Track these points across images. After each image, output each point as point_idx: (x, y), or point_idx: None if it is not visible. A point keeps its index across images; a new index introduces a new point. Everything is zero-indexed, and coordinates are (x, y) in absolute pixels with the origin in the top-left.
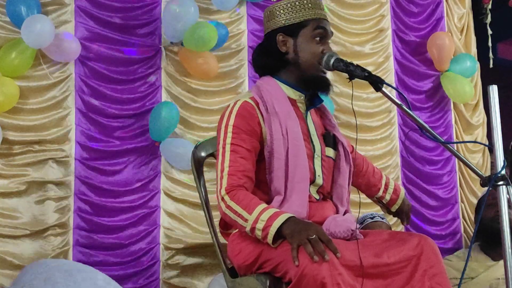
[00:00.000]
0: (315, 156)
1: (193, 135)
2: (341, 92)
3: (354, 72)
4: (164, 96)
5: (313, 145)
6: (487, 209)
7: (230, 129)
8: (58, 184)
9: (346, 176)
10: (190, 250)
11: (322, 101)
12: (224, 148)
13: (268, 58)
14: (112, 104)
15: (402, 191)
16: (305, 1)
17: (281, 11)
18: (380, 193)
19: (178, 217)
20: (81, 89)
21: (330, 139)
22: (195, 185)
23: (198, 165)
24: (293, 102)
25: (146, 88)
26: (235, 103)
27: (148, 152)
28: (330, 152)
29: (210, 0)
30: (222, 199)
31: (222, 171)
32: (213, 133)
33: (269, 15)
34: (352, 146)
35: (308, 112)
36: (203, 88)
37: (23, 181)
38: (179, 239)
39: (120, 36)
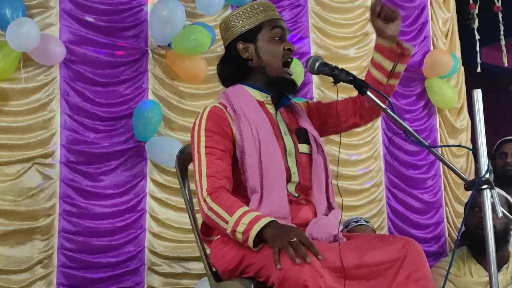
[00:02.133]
0: (288, 154)
1: (180, 136)
2: (326, 97)
3: (339, 76)
4: (151, 98)
5: (285, 143)
6: (472, 215)
7: (202, 133)
8: (43, 187)
9: (321, 168)
10: (175, 254)
11: (290, 99)
12: (199, 152)
13: (232, 68)
14: (98, 107)
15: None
16: (255, 6)
17: (236, 20)
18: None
19: (163, 221)
20: (66, 92)
21: (302, 135)
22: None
23: (183, 169)
24: (261, 103)
25: (133, 90)
26: (204, 110)
27: (134, 155)
28: (304, 148)
29: (195, 4)
30: (204, 201)
31: (200, 174)
32: None
33: (225, 27)
34: (319, 101)
35: (278, 112)
36: (190, 91)
37: (7, 184)
38: (165, 243)
39: (106, 39)
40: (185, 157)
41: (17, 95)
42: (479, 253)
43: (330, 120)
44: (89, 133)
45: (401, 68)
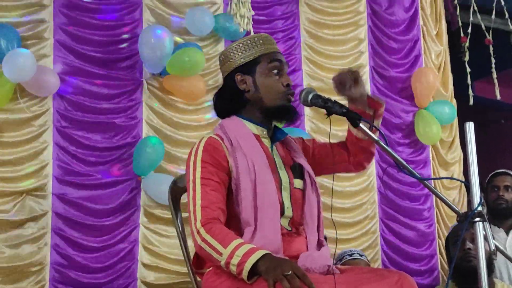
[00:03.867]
0: (282, 188)
1: (174, 168)
2: (319, 129)
3: (332, 108)
4: (145, 129)
5: (280, 177)
6: (455, 249)
7: (198, 163)
8: (35, 219)
9: (314, 205)
10: (168, 285)
11: (286, 134)
12: (194, 182)
13: (229, 100)
14: (92, 137)
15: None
16: (255, 39)
17: (235, 52)
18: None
19: (156, 252)
20: (59, 123)
21: (297, 170)
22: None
23: (175, 200)
24: (257, 137)
25: (127, 120)
26: (200, 140)
27: (127, 186)
28: (298, 183)
29: (184, 21)
30: (198, 232)
31: (194, 205)
32: None
33: (224, 59)
34: (313, 140)
35: (274, 146)
36: (185, 122)
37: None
38: (157, 274)
39: (100, 70)
40: (177, 189)
41: (10, 127)
42: (465, 286)
43: (324, 160)
44: (81, 165)
45: (377, 123)
